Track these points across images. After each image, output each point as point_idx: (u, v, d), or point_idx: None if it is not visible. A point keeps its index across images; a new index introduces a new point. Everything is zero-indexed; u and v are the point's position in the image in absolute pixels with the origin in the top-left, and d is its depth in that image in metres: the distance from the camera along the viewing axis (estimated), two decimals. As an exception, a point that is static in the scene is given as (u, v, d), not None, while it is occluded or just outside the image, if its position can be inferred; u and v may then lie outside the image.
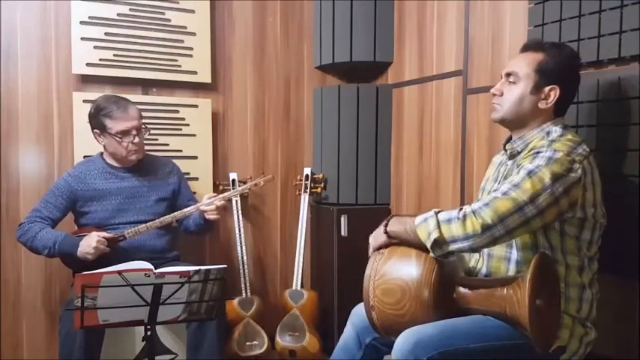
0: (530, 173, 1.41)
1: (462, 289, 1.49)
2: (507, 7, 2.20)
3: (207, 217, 2.29)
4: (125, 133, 2.24)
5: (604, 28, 1.75)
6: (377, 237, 1.59)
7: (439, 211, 1.46)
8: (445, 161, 2.56)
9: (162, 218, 2.25)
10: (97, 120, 2.26)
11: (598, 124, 1.78)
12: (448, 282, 1.49)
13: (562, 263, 1.51)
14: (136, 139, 2.26)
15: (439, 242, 1.41)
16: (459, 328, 1.45)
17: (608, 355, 1.70)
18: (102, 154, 2.38)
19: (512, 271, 1.57)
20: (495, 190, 1.44)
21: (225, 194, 2.37)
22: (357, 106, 2.92)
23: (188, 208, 2.29)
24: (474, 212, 1.39)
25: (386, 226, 1.56)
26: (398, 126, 2.92)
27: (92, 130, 2.30)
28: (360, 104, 2.92)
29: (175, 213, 2.29)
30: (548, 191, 1.38)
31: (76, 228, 2.35)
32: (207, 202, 2.28)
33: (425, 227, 1.44)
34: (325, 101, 3.01)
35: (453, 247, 1.41)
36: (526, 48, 1.65)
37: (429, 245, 1.43)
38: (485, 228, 1.37)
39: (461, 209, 1.42)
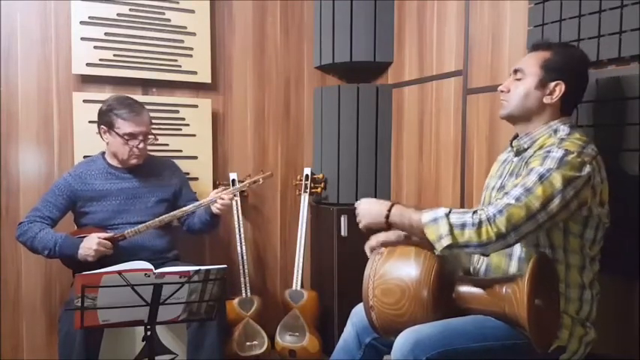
0: (541, 178, 1.40)
1: (461, 289, 1.50)
2: (507, 7, 2.20)
3: (214, 210, 2.30)
4: (132, 136, 2.24)
5: (604, 28, 1.75)
6: (377, 216, 1.55)
7: (449, 212, 1.43)
8: (445, 161, 2.56)
9: (162, 217, 2.25)
10: (106, 117, 2.26)
11: (598, 124, 1.78)
12: (447, 282, 1.49)
13: (562, 262, 1.51)
14: (141, 145, 2.27)
15: (451, 246, 1.41)
16: (459, 327, 1.45)
17: (608, 355, 1.70)
18: (103, 153, 2.38)
19: (513, 267, 1.57)
20: (507, 194, 1.42)
21: (230, 189, 2.38)
22: (357, 106, 2.92)
23: (189, 206, 2.30)
24: (488, 220, 1.38)
25: (389, 211, 1.53)
26: (398, 126, 2.92)
27: (98, 126, 2.30)
28: (360, 104, 2.92)
29: (175, 211, 2.29)
30: (559, 196, 1.39)
31: (75, 228, 2.35)
32: (214, 198, 2.29)
33: (435, 229, 1.42)
34: (325, 101, 3.01)
35: (464, 250, 1.43)
36: (535, 47, 1.66)
37: (438, 248, 1.42)
38: (500, 236, 1.37)
39: (475, 212, 1.41)
